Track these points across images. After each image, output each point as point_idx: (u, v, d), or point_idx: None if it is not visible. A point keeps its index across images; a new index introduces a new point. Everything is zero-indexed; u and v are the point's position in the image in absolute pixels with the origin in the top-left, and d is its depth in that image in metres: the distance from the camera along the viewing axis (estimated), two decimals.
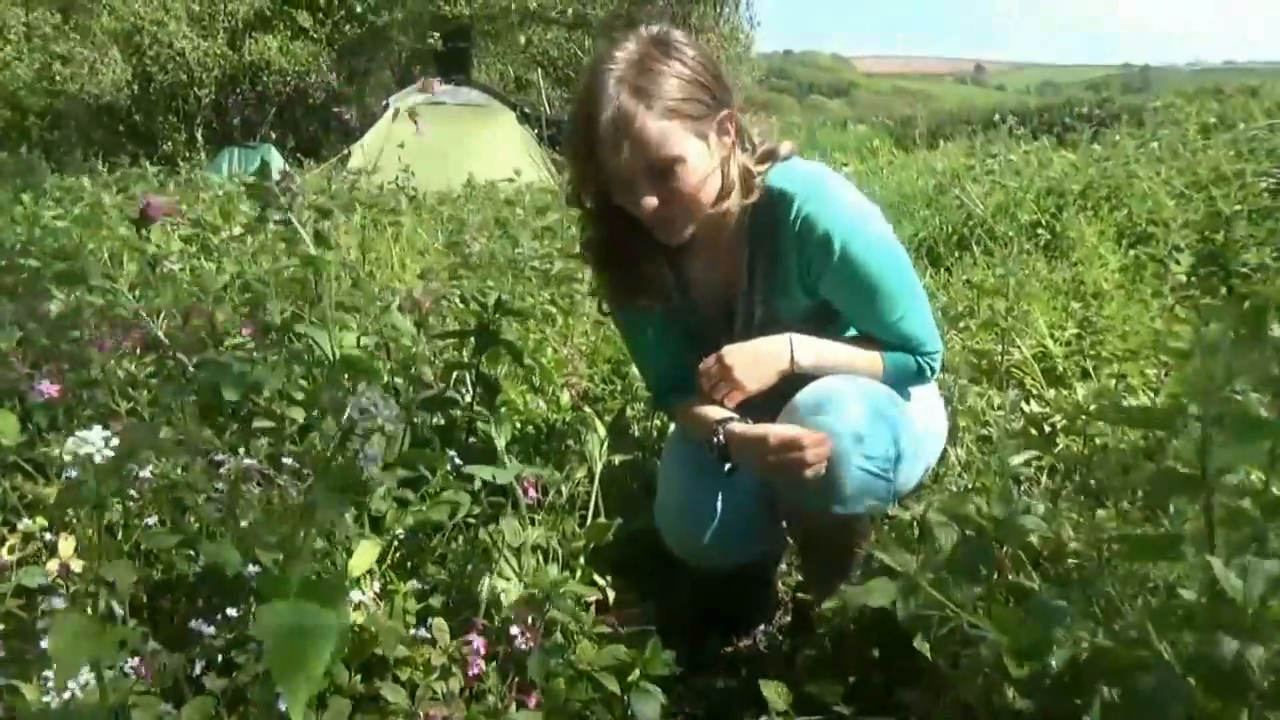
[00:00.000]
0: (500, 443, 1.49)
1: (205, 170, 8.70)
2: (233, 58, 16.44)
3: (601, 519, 1.66)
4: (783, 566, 1.99)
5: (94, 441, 0.84)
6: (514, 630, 1.32)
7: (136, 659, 1.21)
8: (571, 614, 1.39)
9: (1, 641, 1.21)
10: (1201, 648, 0.93)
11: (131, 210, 4.33)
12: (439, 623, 1.31)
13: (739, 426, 1.53)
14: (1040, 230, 3.72)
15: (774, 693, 1.28)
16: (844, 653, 1.45)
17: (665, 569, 1.78)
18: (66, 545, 1.43)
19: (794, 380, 1.56)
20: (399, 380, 1.99)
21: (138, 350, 2.09)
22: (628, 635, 1.45)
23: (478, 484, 1.58)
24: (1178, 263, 2.41)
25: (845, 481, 1.46)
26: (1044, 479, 2.05)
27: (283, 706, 1.06)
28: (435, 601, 1.45)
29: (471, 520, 1.57)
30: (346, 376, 1.57)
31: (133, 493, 1.48)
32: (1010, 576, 1.28)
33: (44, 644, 1.12)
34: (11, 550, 1.42)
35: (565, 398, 2.36)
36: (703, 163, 1.45)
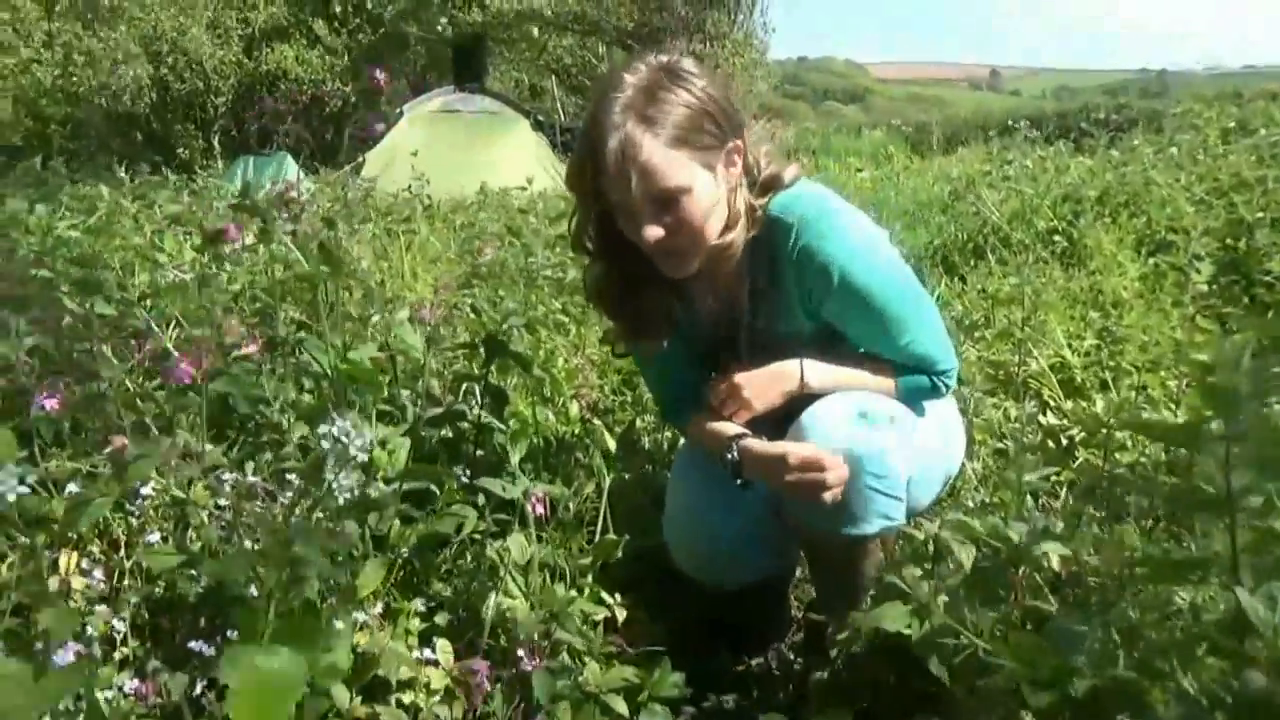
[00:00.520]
0: (515, 458, 1.46)
1: (220, 178, 8.73)
2: (249, 66, 16.56)
3: (610, 535, 1.64)
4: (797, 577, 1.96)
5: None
6: (520, 651, 1.30)
7: (137, 680, 1.19)
8: (579, 633, 1.36)
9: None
10: (1227, 679, 0.89)
11: (153, 221, 4.35)
12: (443, 644, 1.29)
13: (755, 443, 1.50)
14: (1057, 238, 3.67)
15: None
16: (857, 676, 1.42)
17: (675, 585, 1.75)
18: (67, 562, 1.42)
19: (802, 399, 1.53)
20: (405, 392, 1.97)
21: (146, 362, 2.08)
22: (636, 655, 1.42)
23: (482, 497, 1.56)
24: (1198, 271, 2.37)
25: (856, 502, 1.43)
26: (1062, 493, 2.02)
27: None
28: (440, 620, 1.43)
29: (477, 535, 1.55)
30: (349, 389, 1.56)
31: (133, 509, 1.47)
32: (1027, 599, 1.24)
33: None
34: (12, 567, 1.41)
35: (575, 409, 2.33)
36: (709, 194, 1.42)
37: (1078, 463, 2.02)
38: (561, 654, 1.36)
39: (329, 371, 1.46)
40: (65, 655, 1.05)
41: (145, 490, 1.39)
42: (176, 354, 1.35)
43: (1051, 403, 2.36)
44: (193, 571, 1.26)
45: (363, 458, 0.83)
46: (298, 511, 1.31)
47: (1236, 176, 3.30)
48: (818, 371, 1.55)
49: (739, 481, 1.55)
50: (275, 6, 17.26)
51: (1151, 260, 2.98)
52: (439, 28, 17.76)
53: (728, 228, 1.48)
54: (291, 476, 1.43)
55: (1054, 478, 1.94)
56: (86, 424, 1.70)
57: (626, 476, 2.10)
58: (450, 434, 1.95)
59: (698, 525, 1.65)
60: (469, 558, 1.52)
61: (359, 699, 1.18)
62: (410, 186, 6.55)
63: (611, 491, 1.90)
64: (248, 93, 16.89)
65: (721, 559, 1.64)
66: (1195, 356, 2.27)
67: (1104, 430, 1.69)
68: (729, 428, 1.60)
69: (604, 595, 1.52)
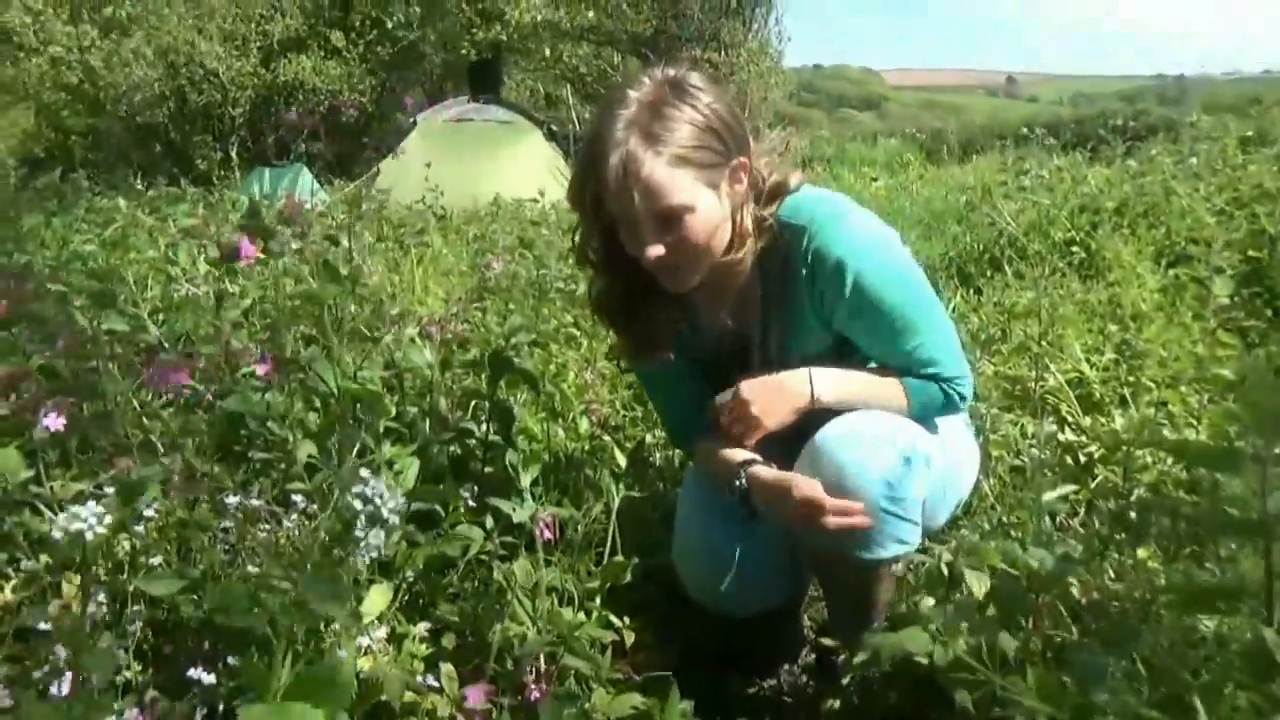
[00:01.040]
0: (525, 480, 1.44)
1: (237, 190, 8.78)
2: (266, 77, 16.67)
3: (619, 556, 1.61)
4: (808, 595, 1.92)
5: (86, 518, 0.80)
6: (526, 677, 1.27)
7: (137, 709, 1.17)
8: (587, 659, 1.34)
9: (4, 689, 1.18)
10: None
11: (167, 235, 4.36)
12: (448, 669, 1.27)
13: (763, 471, 1.47)
14: (1074, 249, 3.62)
15: None
16: (871, 703, 1.39)
17: (684, 607, 1.73)
18: (70, 585, 1.41)
19: (816, 415, 1.50)
20: (412, 409, 1.96)
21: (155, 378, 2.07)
22: (645, 681, 1.40)
23: (490, 519, 1.54)
24: (1220, 284, 2.32)
25: (869, 529, 1.41)
26: (1080, 513, 1.98)
27: None
28: (446, 642, 1.41)
29: (484, 557, 1.52)
30: (355, 408, 1.54)
31: (139, 529, 1.45)
32: (1048, 627, 1.21)
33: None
34: (15, 590, 1.40)
35: (585, 425, 2.31)
36: (713, 213, 1.40)
37: (1096, 481, 1.98)
38: (569, 680, 1.33)
39: (335, 391, 1.44)
40: (62, 686, 1.03)
41: (148, 512, 1.37)
42: (169, 362, 1.34)
43: (1069, 419, 2.32)
44: (195, 596, 1.25)
45: (395, 520, 0.81)
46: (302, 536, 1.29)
47: (1258, 187, 3.25)
48: (828, 382, 1.50)
49: (747, 510, 1.52)
50: (292, 18, 17.38)
51: (1171, 272, 2.93)
52: (461, 49, 17.87)
53: (733, 245, 1.46)
54: (297, 498, 1.42)
55: (1072, 497, 1.90)
56: (92, 443, 1.69)
57: (636, 493, 2.08)
58: (459, 451, 1.94)
59: (707, 558, 1.62)
60: (475, 580, 1.50)
61: None
62: (424, 198, 6.57)
63: (620, 510, 1.88)
64: (265, 104, 17.01)
65: (731, 589, 1.61)
66: (1218, 372, 2.22)
67: (1124, 449, 1.65)
68: (737, 454, 1.57)
69: (612, 619, 1.49)
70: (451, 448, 1.82)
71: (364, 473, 0.81)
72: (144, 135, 16.45)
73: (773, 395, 1.49)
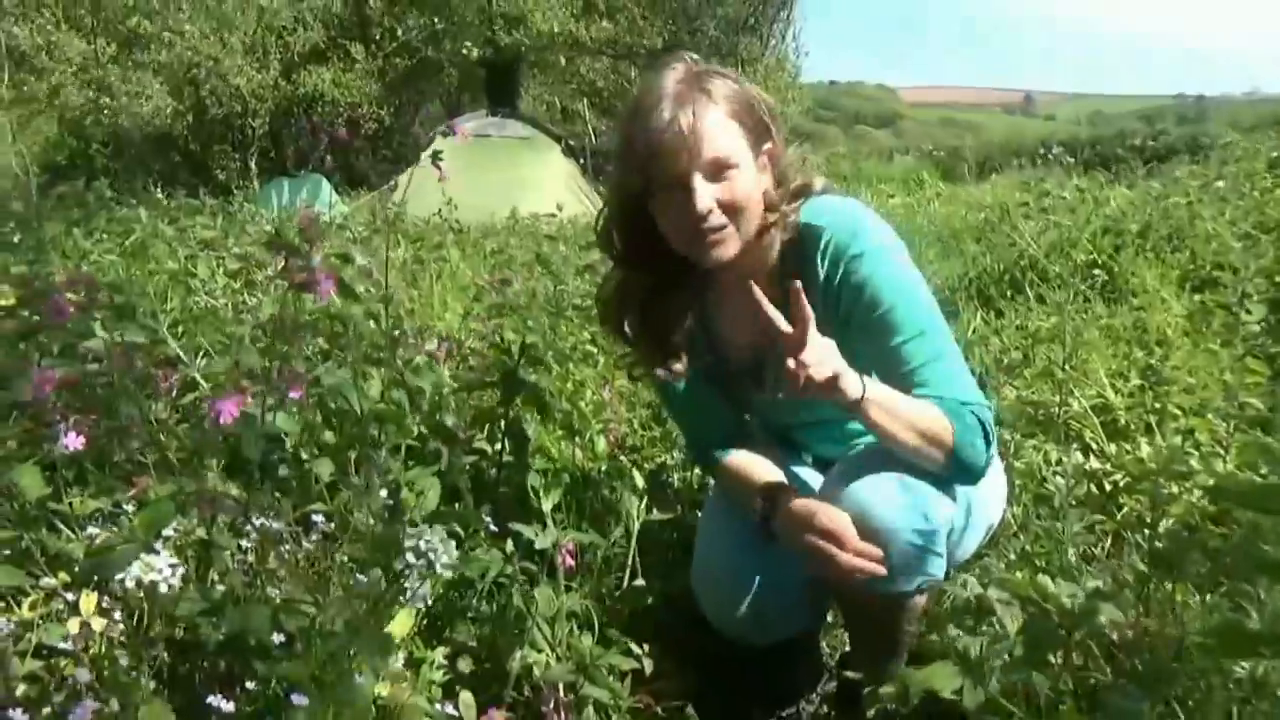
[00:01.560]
0: (547, 504, 1.43)
1: (255, 200, 8.84)
2: (286, 89, 16.81)
3: (639, 580, 1.59)
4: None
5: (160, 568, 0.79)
6: (546, 707, 1.25)
7: None
8: (607, 688, 1.32)
9: (24, 713, 1.17)
10: None
11: (187, 246, 4.39)
12: (465, 698, 1.25)
13: (788, 495, 1.45)
14: (1097, 271, 3.59)
15: None
16: None
17: (705, 633, 1.70)
18: (88, 602, 1.40)
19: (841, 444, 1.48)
20: (425, 428, 1.94)
21: (174, 392, 2.07)
22: (665, 711, 1.37)
23: (509, 542, 1.52)
24: (1249, 311, 2.28)
25: (897, 557, 1.38)
26: (1106, 543, 1.94)
27: None
28: (463, 666, 1.39)
29: (504, 580, 1.51)
30: (376, 429, 1.53)
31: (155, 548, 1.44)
32: (1080, 665, 1.18)
33: None
34: (33, 607, 1.38)
35: (602, 444, 2.29)
36: (753, 176, 1.42)
37: (1122, 511, 1.95)
38: (587, 709, 1.31)
39: (359, 410, 1.43)
40: (83, 712, 1.02)
41: (167, 531, 1.36)
42: (220, 393, 1.32)
43: (1094, 445, 2.29)
44: (214, 619, 1.23)
45: (448, 575, 0.80)
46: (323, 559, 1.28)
47: None
48: (879, 387, 1.38)
49: (766, 533, 1.50)
50: (314, 31, 17.54)
51: (1197, 297, 2.89)
52: (475, 52, 17.95)
53: (764, 223, 1.46)
54: (317, 519, 1.41)
55: (1098, 527, 1.87)
56: (109, 460, 1.69)
57: (654, 513, 2.06)
58: (473, 472, 1.93)
59: (727, 580, 1.60)
60: (494, 605, 1.48)
61: None
62: (440, 212, 6.59)
63: (640, 533, 1.85)
64: (284, 115, 17.16)
65: (751, 615, 1.58)
66: (1247, 401, 2.18)
67: (1151, 480, 1.62)
68: (761, 474, 1.55)
69: (632, 646, 1.47)
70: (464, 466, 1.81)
71: (419, 528, 0.80)
72: (163, 145, 16.62)
73: (830, 360, 1.34)
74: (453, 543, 0.82)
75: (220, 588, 1.31)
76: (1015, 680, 1.08)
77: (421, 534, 0.80)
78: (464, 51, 17.69)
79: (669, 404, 1.78)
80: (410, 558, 0.80)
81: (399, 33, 17.93)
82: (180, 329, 2.85)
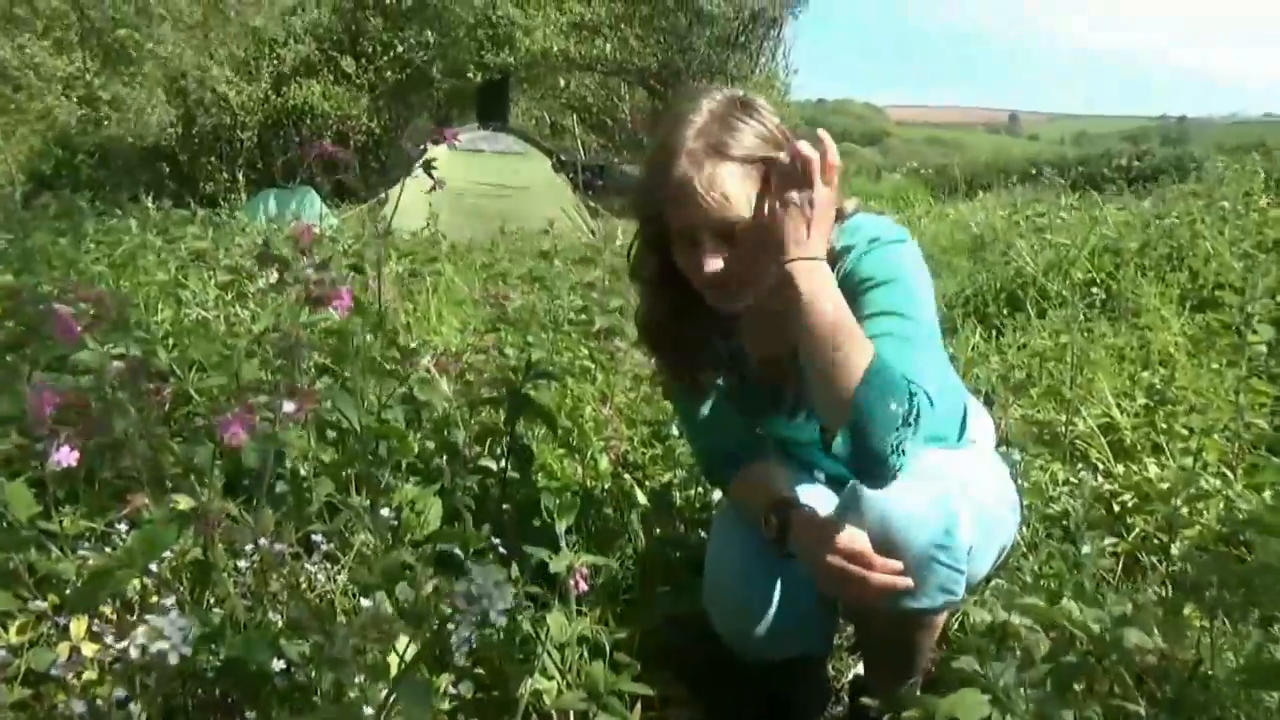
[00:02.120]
0: (561, 526, 1.38)
1: (242, 211, 8.77)
2: (276, 102, 16.79)
3: (648, 602, 1.55)
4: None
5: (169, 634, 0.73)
6: None
7: None
8: (620, 715, 1.27)
9: None
10: None
11: (178, 257, 4.33)
12: None
13: (805, 512, 1.42)
14: (1095, 289, 3.58)
15: None
16: None
17: (713, 654, 1.66)
18: (78, 626, 1.34)
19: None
20: (430, 444, 1.90)
21: (166, 406, 2.02)
22: None
23: (515, 565, 1.48)
24: (1255, 331, 2.27)
25: (917, 573, 1.34)
26: (1117, 565, 1.92)
27: None
28: (465, 690, 1.34)
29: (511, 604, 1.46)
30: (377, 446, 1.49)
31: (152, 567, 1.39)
32: (1110, 693, 1.15)
33: None
34: (21, 630, 1.33)
35: (604, 462, 2.25)
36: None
37: (1134, 533, 1.92)
38: None
39: (359, 428, 1.39)
40: None
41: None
42: (218, 408, 1.28)
43: (1100, 465, 2.27)
44: (212, 645, 1.18)
45: (501, 621, 0.74)
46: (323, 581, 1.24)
47: None
48: (822, 282, 1.27)
49: (781, 549, 1.46)
50: (304, 44, 17.54)
51: (1199, 317, 2.89)
52: (477, 75, 18.00)
53: None
54: (318, 539, 1.36)
55: (1110, 549, 1.84)
56: (100, 477, 1.63)
57: (657, 531, 2.02)
58: (475, 490, 1.88)
59: (738, 593, 1.57)
60: (500, 630, 1.43)
61: None
62: (428, 223, 6.55)
63: (645, 552, 1.81)
64: (274, 127, 17.12)
65: (762, 629, 1.56)
66: (1253, 421, 2.16)
67: (1170, 502, 1.59)
68: (774, 490, 1.52)
69: (642, 671, 1.42)
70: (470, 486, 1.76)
71: (475, 568, 0.75)
72: (150, 156, 16.54)
73: (803, 225, 1.28)
74: (508, 585, 0.77)
75: (218, 612, 1.27)
76: (1047, 711, 1.04)
77: (474, 578, 0.75)
78: (468, 75, 17.73)
79: (687, 420, 1.75)
80: (461, 603, 0.75)
81: (398, 48, 17.94)
82: (172, 342, 2.80)
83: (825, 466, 1.73)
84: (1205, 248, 3.43)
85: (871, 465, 1.25)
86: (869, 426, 1.21)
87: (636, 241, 1.52)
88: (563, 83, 20.70)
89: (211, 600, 1.30)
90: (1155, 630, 1.23)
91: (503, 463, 1.88)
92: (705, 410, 1.62)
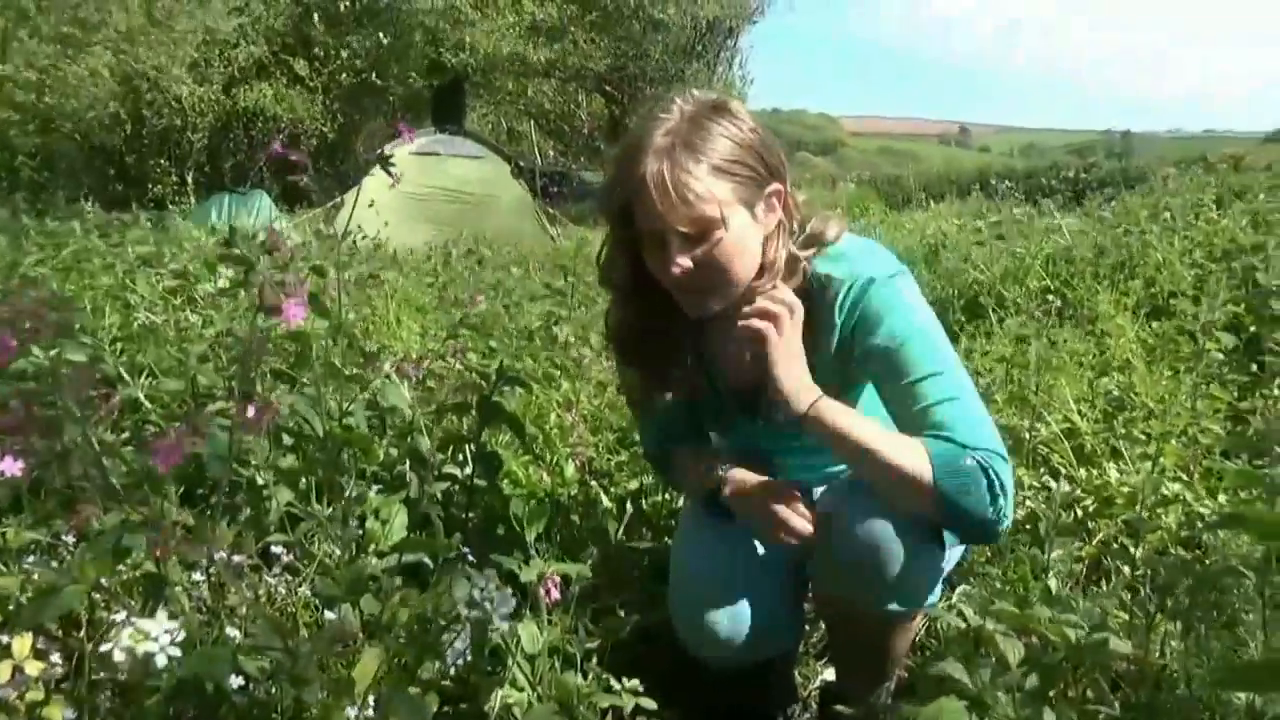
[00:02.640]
0: (530, 535, 1.35)
1: (195, 215, 8.59)
2: (227, 103, 16.49)
3: (618, 611, 1.53)
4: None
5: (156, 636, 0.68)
6: None
7: None
8: None
9: None
10: None
11: (124, 260, 4.21)
12: None
13: (742, 472, 1.48)
14: (1050, 297, 3.64)
15: None
16: None
17: (681, 664, 1.64)
18: (22, 644, 1.28)
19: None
20: (394, 451, 1.86)
21: (115, 413, 1.95)
22: None
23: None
24: (1216, 339, 2.31)
25: (896, 575, 1.34)
26: (1080, 569, 1.93)
27: None
28: (430, 702, 1.30)
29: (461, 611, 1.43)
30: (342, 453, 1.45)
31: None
32: (1085, 697, 1.14)
33: None
34: None
35: (570, 469, 2.22)
36: (744, 233, 1.34)
37: (1098, 538, 1.94)
38: None
39: (322, 434, 1.34)
40: None
41: None
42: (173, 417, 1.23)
43: (1063, 470, 2.29)
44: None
45: (504, 627, 0.71)
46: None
47: (1232, 241, 3.30)
48: (835, 406, 1.34)
49: (720, 511, 1.51)
50: (256, 46, 17.25)
51: (1154, 324, 2.94)
52: (419, 81, 17.84)
53: (761, 273, 1.39)
54: (278, 550, 1.31)
55: (1075, 554, 1.85)
56: (47, 486, 1.56)
57: (625, 538, 1.99)
58: (440, 498, 1.84)
59: (704, 601, 1.55)
60: (469, 641, 1.40)
61: None
62: (378, 231, 6.46)
63: (613, 560, 1.79)
64: (224, 129, 16.82)
65: (730, 638, 1.54)
66: (1209, 427, 2.18)
67: (1133, 508, 1.61)
68: (710, 456, 1.57)
69: (613, 682, 1.40)
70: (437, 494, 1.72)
71: (474, 574, 0.71)
72: (97, 158, 16.13)
73: (792, 355, 1.34)
74: (509, 590, 0.74)
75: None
76: (1026, 716, 1.03)
77: (476, 581, 0.72)
78: (409, 80, 17.56)
79: (642, 415, 1.74)
80: (463, 609, 0.72)
81: (342, 54, 17.73)
82: (120, 347, 2.71)
83: (794, 474, 1.72)
84: (1157, 257, 3.51)
85: (980, 539, 1.38)
86: (968, 515, 1.26)
87: (606, 245, 1.50)
88: (513, 87, 20.62)
89: (165, 615, 1.24)
90: (1127, 635, 1.24)
91: (467, 470, 1.84)
92: (666, 413, 1.61)
